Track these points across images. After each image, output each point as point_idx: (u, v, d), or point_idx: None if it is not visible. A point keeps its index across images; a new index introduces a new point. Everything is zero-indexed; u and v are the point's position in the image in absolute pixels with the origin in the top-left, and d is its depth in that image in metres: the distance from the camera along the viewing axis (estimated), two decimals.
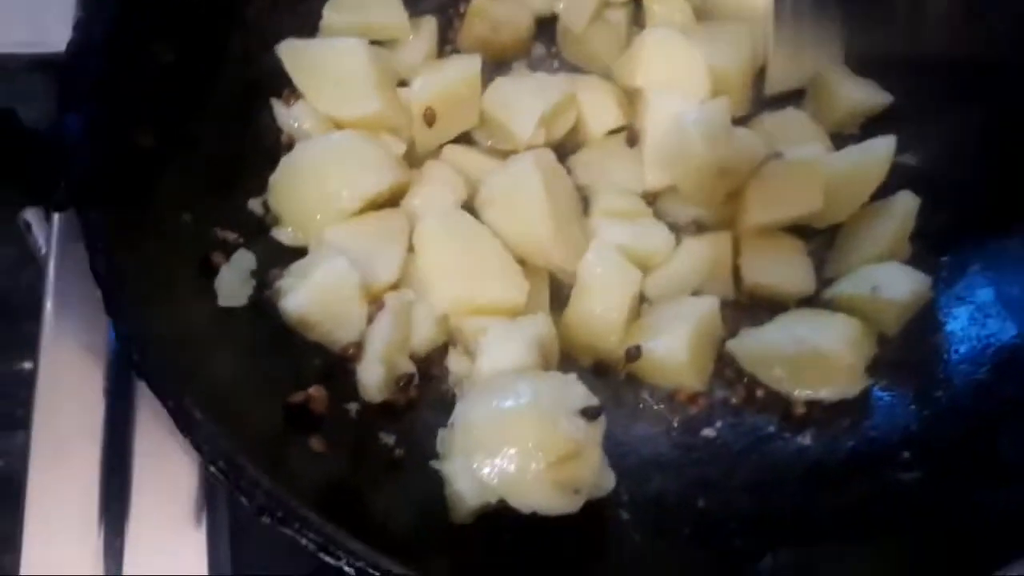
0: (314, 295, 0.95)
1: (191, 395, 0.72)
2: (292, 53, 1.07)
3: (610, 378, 1.04)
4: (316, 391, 0.90)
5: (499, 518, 0.83)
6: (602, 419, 0.85)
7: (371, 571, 0.66)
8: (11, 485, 1.33)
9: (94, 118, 0.81)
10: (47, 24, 1.49)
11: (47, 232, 1.10)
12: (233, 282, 0.93)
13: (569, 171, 1.15)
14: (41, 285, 1.09)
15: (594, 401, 0.86)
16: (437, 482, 0.87)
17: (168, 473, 0.98)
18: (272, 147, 1.07)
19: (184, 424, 0.71)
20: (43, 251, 1.28)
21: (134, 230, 0.82)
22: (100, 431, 1.00)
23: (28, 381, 1.31)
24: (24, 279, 1.39)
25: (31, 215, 1.12)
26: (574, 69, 1.25)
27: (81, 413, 1.01)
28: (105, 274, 0.74)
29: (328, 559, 0.67)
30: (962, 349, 1.02)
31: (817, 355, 1.01)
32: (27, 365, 1.35)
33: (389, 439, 0.93)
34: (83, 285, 1.02)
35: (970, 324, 1.03)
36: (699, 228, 1.13)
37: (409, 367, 0.98)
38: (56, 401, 1.02)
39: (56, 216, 1.08)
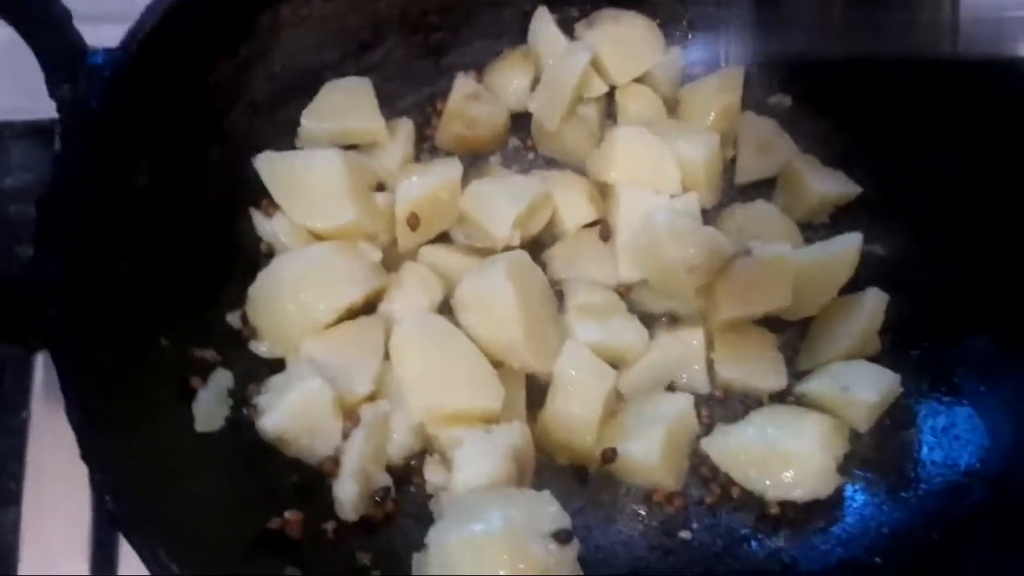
0: (290, 413, 0.96)
1: (165, 545, 0.73)
2: (268, 165, 1.09)
3: (587, 477, 1.05)
4: (292, 515, 0.91)
5: None
6: (575, 542, 0.87)
7: None
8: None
9: (71, 258, 0.82)
10: (42, 92, 1.52)
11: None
12: (210, 404, 0.94)
13: (544, 266, 1.17)
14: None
15: (566, 523, 0.87)
16: None
17: None
18: (251, 257, 1.08)
19: (159, 574, 0.72)
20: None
21: (110, 366, 0.83)
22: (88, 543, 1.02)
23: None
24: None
25: None
26: (548, 161, 1.28)
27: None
28: (80, 423, 0.75)
29: None
30: (932, 448, 1.04)
31: (789, 455, 1.03)
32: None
33: (365, 559, 0.94)
34: None
35: (939, 424, 1.05)
36: (673, 321, 1.15)
37: (385, 480, 1.00)
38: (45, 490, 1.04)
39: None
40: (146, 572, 0.90)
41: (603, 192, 1.23)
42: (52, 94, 0.94)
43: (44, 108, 1.51)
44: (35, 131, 1.53)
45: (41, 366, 1.10)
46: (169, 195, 0.99)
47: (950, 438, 1.03)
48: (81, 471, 0.97)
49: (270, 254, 1.09)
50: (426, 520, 0.96)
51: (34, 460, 1.07)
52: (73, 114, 0.91)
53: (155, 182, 0.96)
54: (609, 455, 1.05)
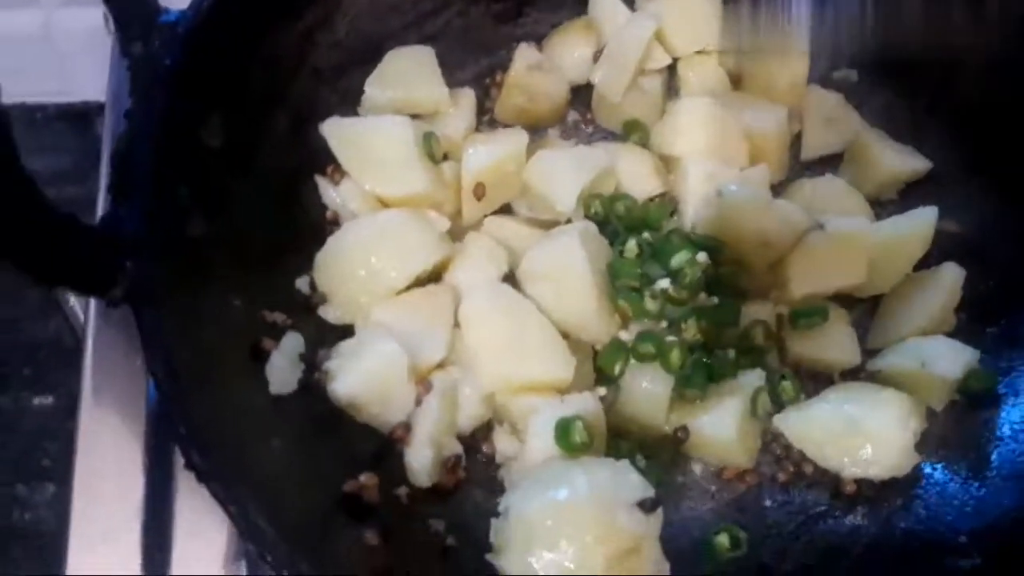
0: (364, 378, 0.94)
1: (253, 500, 0.71)
2: (336, 132, 1.07)
3: (658, 455, 1.03)
4: (368, 479, 0.89)
5: None
6: (660, 511, 0.84)
7: None
8: (41, 537, 1.33)
9: (149, 212, 0.81)
10: (75, 75, 1.52)
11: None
12: (284, 368, 0.93)
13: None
14: (75, 342, 1.09)
15: (651, 492, 0.85)
16: (491, 574, 0.86)
17: (209, 541, 0.97)
18: (318, 224, 1.07)
19: (246, 529, 0.70)
20: (72, 303, 1.29)
21: (187, 323, 0.81)
22: (140, 501, 1.00)
23: (56, 428, 1.31)
24: (52, 325, 1.41)
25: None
26: (608, 134, 1.26)
27: (120, 483, 1.00)
28: (164, 376, 0.73)
29: None
30: (1012, 424, 1.01)
31: (865, 432, 1.00)
32: (49, 403, 1.36)
33: (439, 525, 0.92)
34: (120, 346, 1.05)
35: (1020, 400, 1.02)
36: (743, 296, 1.12)
37: (457, 448, 0.98)
38: (95, 469, 1.01)
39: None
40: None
41: (667, 165, 1.21)
42: (124, 52, 0.93)
43: (75, 92, 1.53)
44: (67, 114, 1.54)
45: (91, 352, 1.07)
46: (240, 159, 0.98)
47: None
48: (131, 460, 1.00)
49: (335, 222, 1.07)
50: (495, 489, 0.95)
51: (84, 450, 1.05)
52: (145, 71, 0.90)
53: (227, 144, 0.95)
54: (681, 435, 1.03)
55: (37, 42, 1.47)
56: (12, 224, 0.67)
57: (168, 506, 1.00)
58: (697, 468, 1.05)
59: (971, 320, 1.09)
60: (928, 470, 1.01)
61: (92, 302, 1.09)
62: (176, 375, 0.74)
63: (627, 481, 0.86)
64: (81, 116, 1.56)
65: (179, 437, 0.72)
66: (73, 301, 1.35)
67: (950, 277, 1.09)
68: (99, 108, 1.34)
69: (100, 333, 1.07)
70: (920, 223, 1.11)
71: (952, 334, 1.08)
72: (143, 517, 0.99)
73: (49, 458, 1.36)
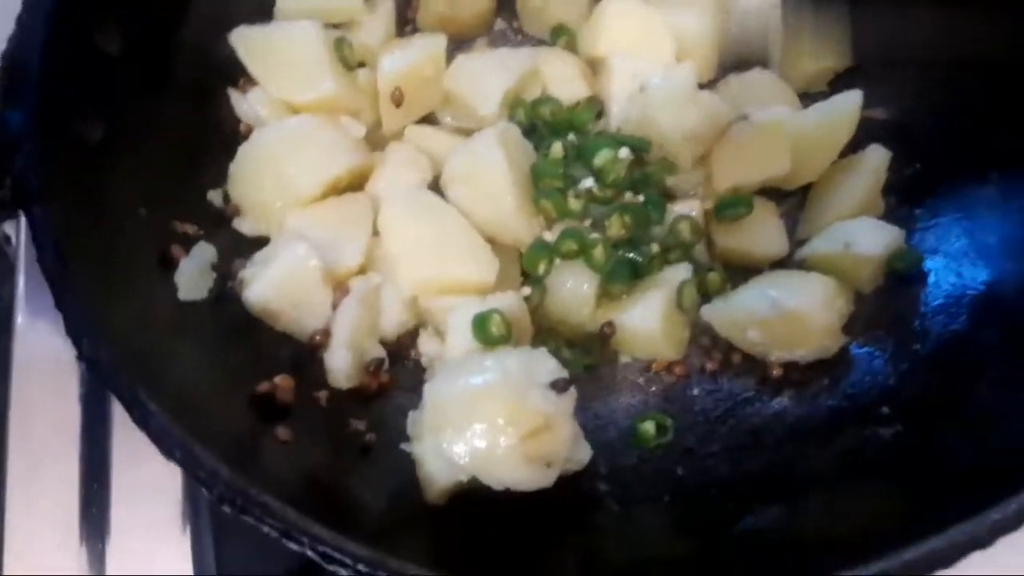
0: (277, 283, 0.94)
1: (146, 387, 0.70)
2: (245, 40, 1.05)
3: (585, 352, 1.03)
4: (283, 380, 0.89)
5: (472, 496, 0.82)
6: (572, 391, 0.84)
7: (336, 555, 0.65)
8: None
9: (37, 112, 0.79)
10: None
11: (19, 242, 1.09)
12: (193, 275, 0.92)
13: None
14: (11, 292, 1.08)
15: (564, 373, 0.85)
16: (410, 465, 0.86)
17: (149, 476, 0.97)
18: (230, 136, 1.05)
19: (140, 416, 0.70)
20: (13, 240, 1.27)
21: (86, 225, 0.80)
22: (77, 437, 1.00)
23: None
24: (5, 292, 1.38)
25: (10, 228, 1.12)
26: (537, 43, 1.24)
27: (57, 420, 1.00)
28: (52, 269, 0.72)
29: (292, 545, 0.66)
30: (937, 300, 1.01)
31: (792, 316, 0.99)
32: None
33: (360, 424, 0.92)
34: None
35: (945, 275, 1.02)
36: (669, 194, 1.11)
37: (379, 352, 0.98)
38: (31, 410, 1.01)
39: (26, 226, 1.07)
40: None
41: (594, 67, 1.19)
42: None
43: None
44: None
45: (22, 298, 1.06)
46: (143, 67, 0.96)
47: (956, 286, 1.00)
48: (68, 410, 0.99)
49: (248, 135, 1.05)
50: (421, 392, 0.94)
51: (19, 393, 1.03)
52: None
53: (127, 52, 0.93)
54: (607, 331, 1.02)
55: None
56: None
57: (106, 439, 0.99)
58: (626, 361, 1.04)
59: (898, 202, 1.09)
60: (855, 350, 1.01)
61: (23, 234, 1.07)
62: (66, 269, 0.73)
63: (540, 365, 0.85)
64: None
65: (68, 327, 0.70)
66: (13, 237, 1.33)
67: (875, 159, 1.08)
68: None
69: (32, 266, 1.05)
70: (845, 107, 1.10)
71: (879, 217, 1.07)
72: (80, 449, 0.99)
73: None
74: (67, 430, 1.01)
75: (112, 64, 0.91)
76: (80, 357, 0.71)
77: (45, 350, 1.02)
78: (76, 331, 0.71)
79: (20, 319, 1.05)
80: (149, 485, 0.97)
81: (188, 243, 0.95)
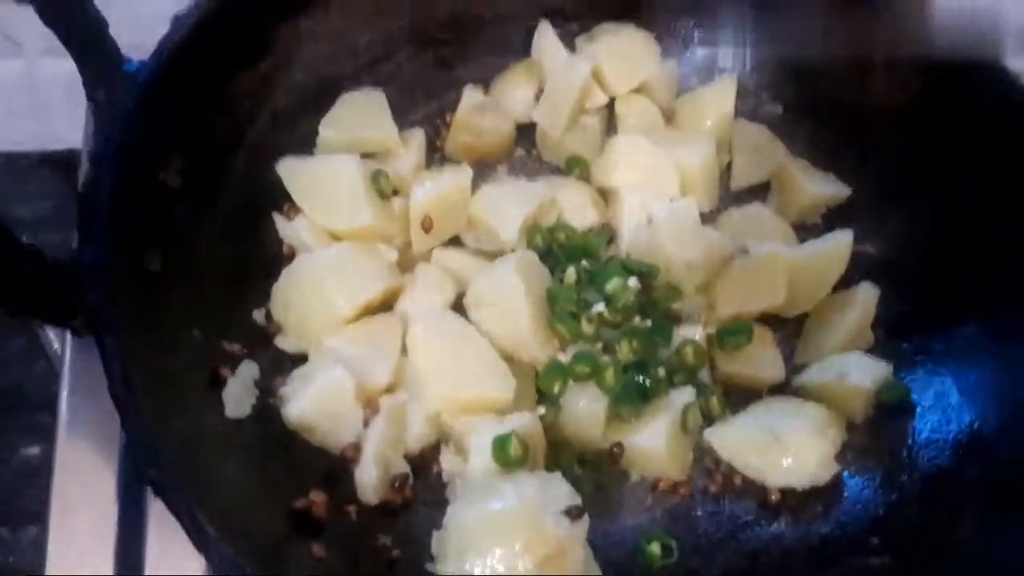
0: (314, 402, 1.01)
1: (203, 510, 0.77)
2: (291, 171, 1.15)
3: (595, 470, 1.09)
4: (317, 496, 0.95)
5: None
6: (585, 518, 0.91)
7: None
8: None
9: (108, 247, 0.87)
10: (57, 122, 1.57)
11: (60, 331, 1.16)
12: (239, 393, 0.99)
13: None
14: (56, 383, 1.14)
15: (577, 500, 0.92)
16: None
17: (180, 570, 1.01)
18: (274, 258, 1.14)
19: (197, 539, 0.76)
20: (56, 347, 1.34)
21: (147, 351, 0.87)
22: (113, 535, 1.04)
23: (37, 472, 1.34)
24: (37, 369, 1.44)
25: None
26: (553, 169, 1.34)
27: (95, 517, 1.05)
28: (122, 398, 0.79)
29: None
30: (924, 434, 1.08)
31: (787, 444, 1.07)
32: (34, 451, 1.40)
33: (386, 540, 0.98)
34: (97, 384, 1.10)
35: (931, 409, 1.10)
36: (674, 319, 1.20)
37: (404, 467, 1.04)
38: (70, 507, 1.05)
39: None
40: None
41: (606, 197, 1.29)
42: (89, 97, 1.00)
43: (58, 139, 1.58)
44: (50, 161, 1.59)
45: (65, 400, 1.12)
46: (199, 197, 1.05)
47: (942, 422, 1.07)
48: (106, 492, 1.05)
49: (291, 256, 1.14)
50: (443, 506, 1.00)
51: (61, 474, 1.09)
52: (109, 116, 0.96)
53: (186, 184, 1.02)
54: (616, 451, 1.09)
55: (20, 90, 1.51)
56: None
57: (140, 537, 1.04)
58: (634, 480, 1.11)
59: (888, 336, 1.17)
60: (847, 478, 1.08)
61: (69, 340, 1.15)
62: (134, 395, 0.80)
63: (555, 491, 0.92)
64: (64, 163, 1.58)
65: (137, 454, 0.77)
66: (56, 345, 1.39)
67: (866, 296, 1.17)
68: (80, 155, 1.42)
69: (76, 374, 1.12)
70: (837, 245, 1.19)
71: (870, 350, 1.16)
72: (116, 548, 1.04)
73: (33, 501, 1.38)
74: (104, 528, 1.05)
75: (173, 196, 1.00)
76: (144, 481, 0.77)
77: (87, 448, 1.07)
78: (141, 457, 0.77)
79: (63, 418, 1.10)
80: None
81: (234, 362, 1.02)
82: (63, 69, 0.93)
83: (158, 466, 0.77)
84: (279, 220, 1.15)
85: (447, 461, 1.06)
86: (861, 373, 1.11)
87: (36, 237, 1.45)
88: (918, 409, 1.10)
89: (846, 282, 1.20)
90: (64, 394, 1.11)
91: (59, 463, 1.08)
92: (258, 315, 1.09)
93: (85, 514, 1.04)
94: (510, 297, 1.10)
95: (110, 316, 0.84)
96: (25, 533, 1.35)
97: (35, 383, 1.43)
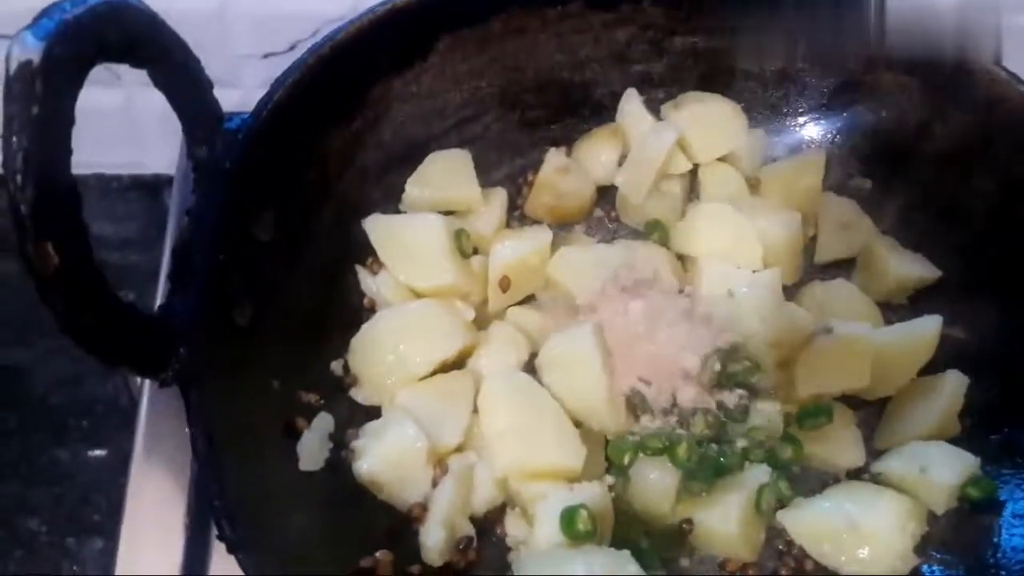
0: (384, 459, 1.02)
1: (269, 565, 0.78)
2: (377, 227, 1.18)
3: (663, 545, 1.07)
4: (383, 556, 0.96)
5: None
6: None
7: None
8: None
9: (201, 301, 0.90)
10: (149, 149, 1.66)
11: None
12: (313, 445, 1.01)
13: None
14: (130, 401, 1.18)
15: None
16: None
17: None
18: (355, 311, 1.16)
19: None
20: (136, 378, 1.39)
21: (230, 404, 0.90)
22: (180, 556, 1.08)
23: (107, 485, 1.39)
24: (109, 387, 1.50)
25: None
26: (631, 232, 1.33)
27: (162, 537, 1.09)
28: (204, 453, 0.82)
29: None
30: (1014, 534, 1.03)
31: (864, 533, 1.03)
32: (104, 464, 1.45)
33: None
34: (174, 412, 1.13)
35: (1020, 507, 1.04)
36: (753, 394, 1.17)
37: (469, 529, 1.04)
38: (138, 551, 1.09)
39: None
40: None
41: (684, 264, 1.28)
42: (190, 154, 1.04)
43: (148, 165, 1.66)
44: (139, 185, 1.67)
45: (144, 416, 1.17)
46: (288, 252, 1.08)
47: None
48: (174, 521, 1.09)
49: (372, 309, 1.17)
50: (505, 571, 1.00)
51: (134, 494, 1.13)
52: (208, 172, 1.00)
53: (276, 238, 1.05)
54: (687, 527, 1.07)
55: (117, 118, 1.60)
56: (83, 313, 0.77)
57: (204, 569, 1.08)
58: (702, 558, 1.08)
59: (975, 427, 1.12)
60: (926, 572, 1.04)
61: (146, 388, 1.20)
62: (215, 451, 0.83)
63: (623, 570, 0.91)
64: (151, 187, 1.68)
65: (213, 509, 0.80)
66: None
67: (953, 383, 1.13)
68: (168, 181, 1.51)
69: (154, 399, 1.17)
70: (925, 329, 1.15)
71: (956, 440, 1.11)
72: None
73: (99, 513, 1.43)
74: (170, 551, 1.08)
75: (263, 251, 1.03)
76: (220, 537, 0.79)
77: (160, 473, 1.12)
78: (218, 514, 0.79)
79: (139, 442, 1.15)
80: None
81: (310, 413, 1.04)
82: (157, 100, 1.00)
83: (234, 526, 0.79)
84: (362, 274, 1.18)
85: (512, 526, 1.06)
86: (946, 466, 1.07)
87: (122, 255, 1.55)
88: (1006, 507, 1.05)
89: (932, 368, 1.16)
90: (142, 415, 1.16)
91: (132, 484, 1.12)
92: (336, 366, 1.11)
93: (153, 537, 1.08)
94: (583, 363, 1.10)
95: (198, 371, 0.87)
96: (92, 544, 1.40)
97: (109, 397, 1.50)
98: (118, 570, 1.08)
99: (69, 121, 0.74)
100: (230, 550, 0.79)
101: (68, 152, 0.75)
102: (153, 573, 1.07)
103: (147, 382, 1.18)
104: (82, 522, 1.42)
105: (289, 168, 1.09)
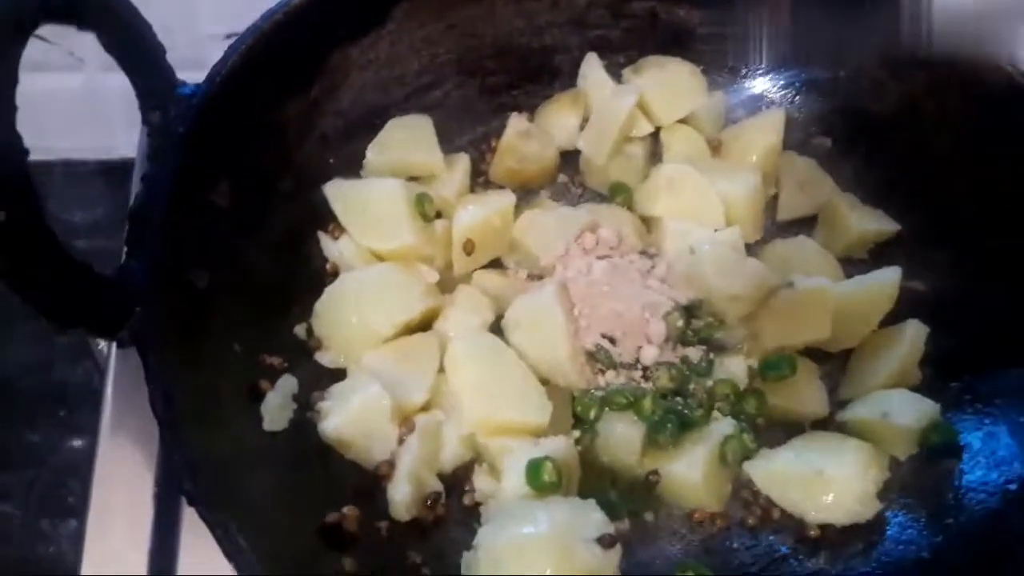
0: (351, 418, 1.02)
1: (236, 522, 0.78)
2: (337, 192, 1.17)
3: (630, 497, 1.08)
4: (350, 511, 0.96)
5: None
6: (618, 547, 0.90)
7: None
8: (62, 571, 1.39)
9: (157, 264, 0.90)
10: (114, 134, 1.64)
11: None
12: (277, 407, 1.01)
13: None
14: (101, 384, 1.17)
15: (610, 528, 0.91)
16: None
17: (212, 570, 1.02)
18: (318, 275, 1.16)
19: (230, 550, 0.77)
20: (101, 346, 1.38)
21: (190, 366, 0.90)
22: (148, 536, 1.06)
23: (80, 468, 1.38)
24: (81, 370, 1.49)
25: None
26: (596, 196, 1.34)
27: (131, 519, 1.07)
28: (162, 412, 0.81)
29: None
30: (972, 476, 1.05)
31: (830, 480, 1.04)
32: (77, 447, 1.44)
33: (417, 558, 0.98)
34: (140, 385, 1.13)
35: (980, 452, 1.06)
36: (717, 349, 1.18)
37: (437, 485, 1.04)
38: (109, 507, 1.08)
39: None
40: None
41: (648, 225, 1.29)
42: (144, 120, 1.03)
43: (115, 149, 1.65)
44: (106, 170, 1.65)
45: (111, 392, 1.16)
46: (247, 217, 1.07)
47: (989, 467, 1.04)
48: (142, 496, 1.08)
49: (335, 273, 1.16)
50: (474, 525, 1.00)
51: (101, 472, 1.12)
52: (162, 137, 1.00)
53: (234, 204, 1.04)
54: (653, 478, 1.08)
55: (81, 103, 1.58)
56: (34, 272, 0.77)
57: (174, 540, 1.06)
58: (669, 510, 1.09)
59: (935, 375, 1.14)
60: (890, 517, 1.05)
61: (114, 346, 1.18)
62: (174, 411, 0.82)
63: (588, 518, 0.91)
64: (119, 172, 1.65)
65: (173, 465, 0.79)
66: (102, 345, 1.44)
67: (913, 333, 1.14)
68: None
69: (120, 375, 1.16)
70: (884, 281, 1.17)
71: (917, 388, 1.13)
72: (150, 547, 1.06)
73: (74, 495, 1.42)
74: (140, 527, 1.07)
75: (221, 216, 1.03)
76: (182, 492, 0.79)
77: (127, 447, 1.10)
78: (180, 470, 0.79)
79: (106, 417, 1.13)
80: None
81: (274, 375, 1.04)
82: (122, 84, 0.99)
83: (194, 479, 0.79)
84: (324, 239, 1.18)
85: (480, 481, 1.06)
86: (907, 412, 1.08)
87: (89, 242, 1.54)
88: (966, 451, 1.07)
89: (893, 319, 1.17)
90: (108, 393, 1.14)
91: (100, 461, 1.10)
92: (300, 330, 1.11)
93: (122, 512, 1.07)
94: (548, 321, 1.10)
95: (155, 332, 0.86)
96: (66, 526, 1.39)
97: (80, 382, 1.49)
98: (87, 542, 1.07)
99: (12, 81, 0.74)
100: (191, 503, 0.79)
101: (12, 110, 0.74)
102: (122, 547, 1.06)
103: (113, 359, 1.17)
104: (56, 505, 1.41)
105: (245, 134, 1.08)
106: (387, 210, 1.15)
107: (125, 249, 0.93)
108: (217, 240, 1.02)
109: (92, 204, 1.65)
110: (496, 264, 1.26)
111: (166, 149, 0.98)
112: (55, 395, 1.50)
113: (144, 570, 1.03)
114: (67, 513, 1.42)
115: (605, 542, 0.89)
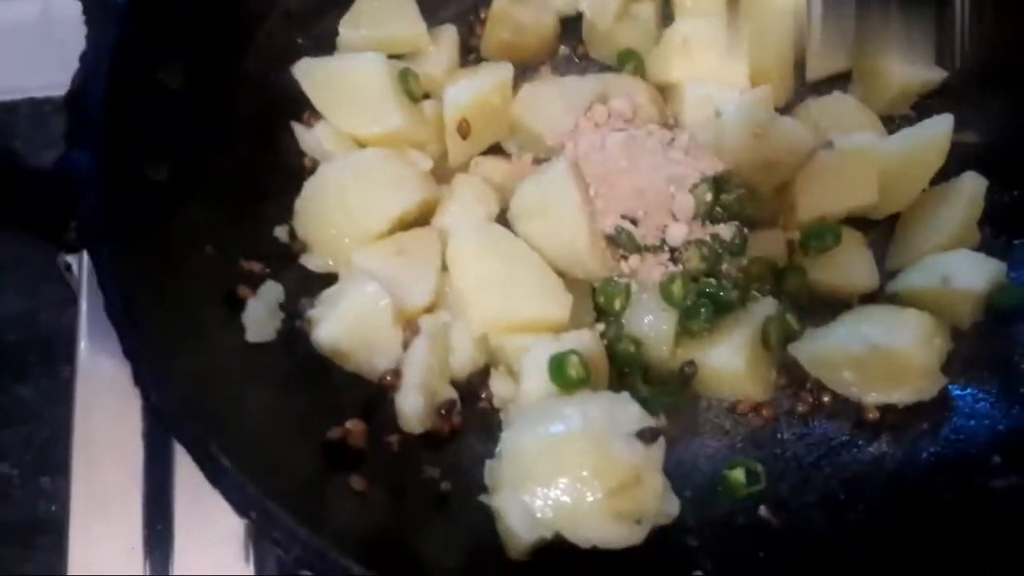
0: (346, 323, 0.91)
1: (217, 441, 0.67)
2: (309, 73, 1.03)
3: (665, 392, 0.97)
4: (354, 425, 0.86)
5: (557, 552, 0.77)
6: (661, 441, 0.79)
7: None
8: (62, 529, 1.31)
9: (101, 153, 0.77)
10: (74, 65, 1.51)
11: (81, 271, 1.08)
12: (261, 316, 0.90)
13: None
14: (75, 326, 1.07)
15: (650, 422, 0.80)
16: (488, 518, 0.82)
17: (212, 513, 0.93)
18: (295, 171, 1.03)
19: (211, 473, 0.67)
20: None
21: (151, 267, 0.78)
22: (140, 473, 0.98)
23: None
24: (66, 320, 1.38)
25: (71, 256, 1.10)
26: (603, 67, 1.20)
27: (120, 455, 0.99)
28: (119, 316, 0.69)
29: None
30: None
31: (887, 355, 0.94)
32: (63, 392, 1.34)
33: (434, 472, 0.88)
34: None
35: None
36: (750, 224, 1.06)
37: (450, 393, 0.94)
38: (94, 443, 1.00)
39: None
40: None
41: (664, 94, 1.15)
42: None
43: None
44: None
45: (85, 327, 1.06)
46: (207, 102, 0.94)
47: None
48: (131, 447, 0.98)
49: (314, 168, 1.03)
50: (495, 434, 0.89)
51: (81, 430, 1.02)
52: (98, 9, 0.85)
53: (191, 87, 0.91)
54: (688, 371, 0.97)
55: (37, 31, 1.44)
56: None
57: (169, 475, 0.97)
58: (709, 403, 0.99)
59: (996, 233, 1.03)
60: (956, 392, 0.95)
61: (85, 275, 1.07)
62: (133, 315, 0.70)
63: (624, 412, 0.81)
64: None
65: (136, 377, 0.67)
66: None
67: (971, 187, 1.02)
68: None
69: (94, 319, 1.05)
70: (934, 134, 1.04)
71: (977, 249, 1.01)
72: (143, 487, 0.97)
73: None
74: (130, 466, 0.99)
75: (175, 100, 0.90)
76: (148, 407, 0.67)
77: (108, 381, 1.01)
78: (144, 381, 0.67)
79: (83, 349, 1.05)
80: (213, 522, 0.94)
81: (255, 282, 0.93)
82: (78, 6, 0.88)
83: (161, 392, 0.67)
84: (299, 129, 1.05)
85: (497, 386, 0.96)
86: (969, 275, 0.97)
87: None
88: None
89: (945, 177, 1.05)
90: (83, 317, 1.05)
91: (79, 411, 1.02)
92: (280, 232, 0.99)
93: (110, 462, 0.99)
94: (563, 205, 0.98)
95: (103, 226, 0.74)
96: (66, 483, 1.30)
97: (66, 331, 1.38)
98: (74, 490, 0.98)
99: None
100: (158, 420, 0.67)
101: None
102: (115, 485, 0.97)
103: (84, 301, 1.05)
104: (54, 460, 1.31)
105: (195, 8, 0.93)
106: (368, 89, 1.01)
107: (66, 139, 0.79)
108: (175, 129, 0.89)
109: (59, 142, 1.52)
110: (496, 150, 1.12)
111: (104, 23, 0.84)
112: (42, 347, 1.39)
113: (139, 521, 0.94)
114: (67, 468, 1.32)
115: (647, 436, 0.78)
